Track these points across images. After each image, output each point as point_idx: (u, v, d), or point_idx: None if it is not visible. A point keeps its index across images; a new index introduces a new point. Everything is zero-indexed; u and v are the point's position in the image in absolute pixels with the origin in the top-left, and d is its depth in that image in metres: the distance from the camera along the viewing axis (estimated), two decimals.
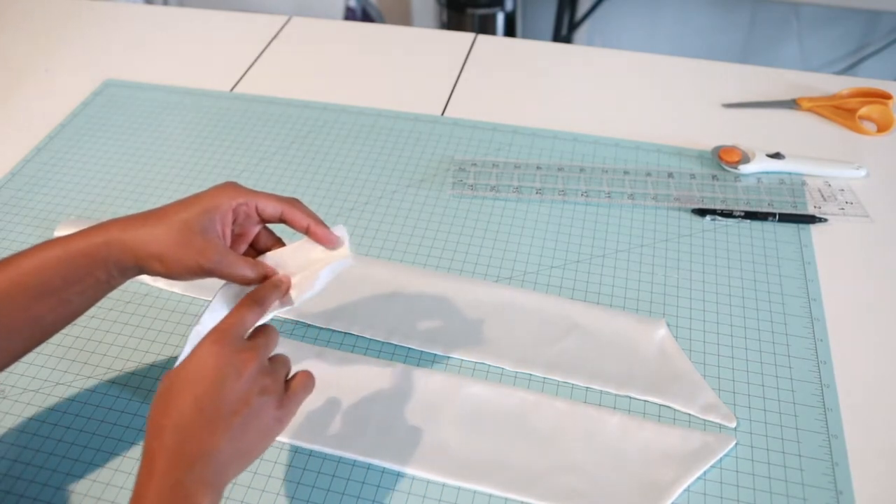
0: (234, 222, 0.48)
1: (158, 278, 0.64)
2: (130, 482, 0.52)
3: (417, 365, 0.58)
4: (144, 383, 0.58)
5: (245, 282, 0.47)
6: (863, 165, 0.74)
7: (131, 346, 0.60)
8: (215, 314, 0.46)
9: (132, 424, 0.55)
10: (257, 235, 0.51)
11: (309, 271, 0.49)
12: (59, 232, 0.70)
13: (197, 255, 0.45)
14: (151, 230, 0.46)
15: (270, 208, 0.48)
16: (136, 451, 0.53)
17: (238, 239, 0.50)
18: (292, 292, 0.48)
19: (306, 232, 0.49)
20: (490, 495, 0.51)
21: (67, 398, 0.57)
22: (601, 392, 0.56)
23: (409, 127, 0.83)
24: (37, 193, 0.76)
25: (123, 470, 0.52)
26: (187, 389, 0.40)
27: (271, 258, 0.49)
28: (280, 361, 0.46)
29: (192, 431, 0.40)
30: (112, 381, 0.58)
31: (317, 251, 0.49)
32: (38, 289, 0.45)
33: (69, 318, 0.48)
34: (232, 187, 0.48)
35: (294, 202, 0.49)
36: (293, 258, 0.49)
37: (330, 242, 0.49)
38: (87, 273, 0.46)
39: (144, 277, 0.64)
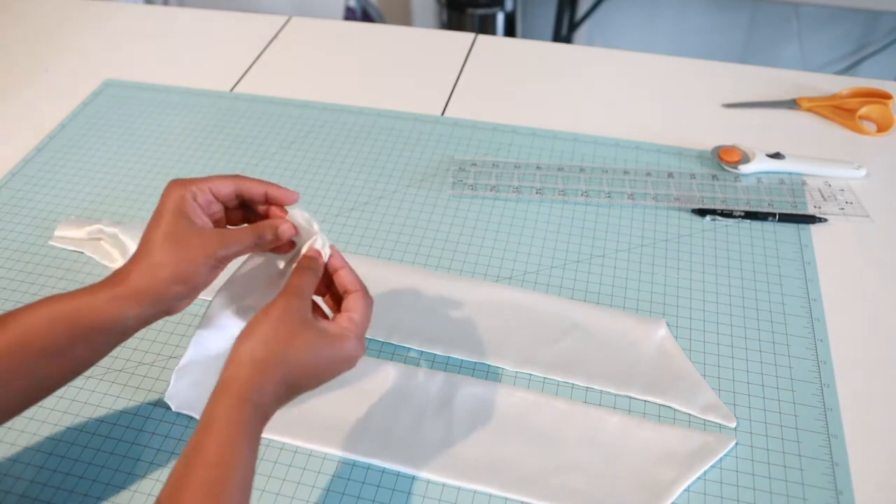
0: (204, 210, 0.48)
1: None
2: (131, 482, 0.52)
3: (418, 365, 0.58)
4: (144, 383, 0.58)
5: (255, 244, 0.47)
6: (863, 165, 0.74)
7: (131, 346, 0.60)
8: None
9: (132, 424, 0.55)
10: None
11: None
12: (60, 232, 0.70)
13: (203, 249, 0.45)
14: (149, 263, 0.45)
15: (225, 188, 0.48)
16: (136, 451, 0.53)
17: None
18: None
19: (265, 197, 0.49)
20: (490, 495, 0.51)
21: (68, 398, 0.57)
22: (601, 392, 0.56)
23: (409, 127, 0.83)
24: (37, 193, 0.76)
25: (124, 470, 0.52)
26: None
27: None
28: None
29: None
30: (112, 381, 0.58)
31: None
32: (43, 349, 0.44)
33: (77, 372, 0.47)
34: (177, 183, 0.47)
35: (239, 175, 0.49)
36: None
37: (291, 199, 0.49)
38: (96, 331, 0.45)
39: None
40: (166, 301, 0.46)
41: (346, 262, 0.50)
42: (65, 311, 0.44)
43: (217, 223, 0.49)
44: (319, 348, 0.44)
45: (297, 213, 0.49)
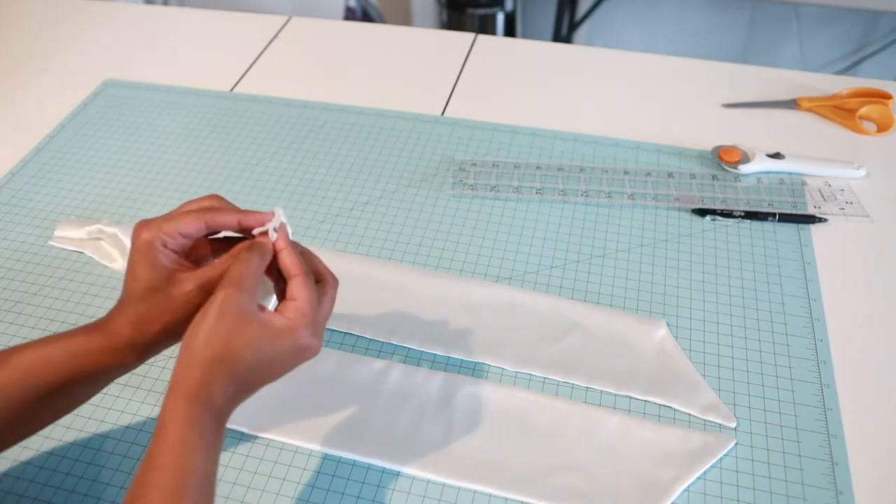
0: (178, 253, 0.45)
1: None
2: (131, 482, 0.51)
3: (417, 365, 0.58)
4: (144, 383, 0.58)
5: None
6: (863, 165, 0.74)
7: None
8: None
9: (132, 424, 0.55)
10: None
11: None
12: (60, 232, 0.70)
13: (184, 301, 0.44)
14: (137, 318, 0.44)
15: (194, 228, 0.45)
16: (136, 451, 0.53)
17: (198, 262, 0.48)
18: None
19: (238, 226, 0.46)
20: (490, 495, 0.51)
21: None
22: (601, 392, 0.56)
23: (409, 127, 0.83)
24: (37, 193, 0.76)
25: (123, 470, 0.52)
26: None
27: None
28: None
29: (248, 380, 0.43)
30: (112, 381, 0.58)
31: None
32: (41, 389, 0.43)
33: (76, 407, 0.47)
34: (145, 225, 0.45)
35: (210, 208, 0.46)
36: None
37: (265, 221, 0.46)
38: (94, 375, 0.44)
39: None
40: (161, 348, 0.46)
41: (290, 243, 0.45)
42: (61, 354, 0.43)
43: (193, 248, 0.47)
44: (264, 344, 0.41)
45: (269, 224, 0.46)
